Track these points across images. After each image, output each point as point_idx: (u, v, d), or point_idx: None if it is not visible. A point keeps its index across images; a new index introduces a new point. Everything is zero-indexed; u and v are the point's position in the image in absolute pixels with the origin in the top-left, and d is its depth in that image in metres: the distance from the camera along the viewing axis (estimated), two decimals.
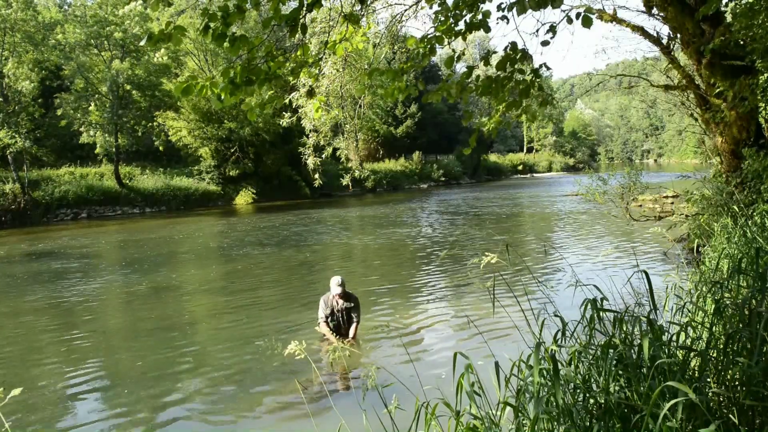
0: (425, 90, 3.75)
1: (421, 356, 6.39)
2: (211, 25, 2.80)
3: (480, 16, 3.29)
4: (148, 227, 24.24)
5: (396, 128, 52.56)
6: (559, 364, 2.25)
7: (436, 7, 3.45)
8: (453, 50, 3.65)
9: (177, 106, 35.39)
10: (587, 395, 2.28)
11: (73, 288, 11.52)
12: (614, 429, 2.12)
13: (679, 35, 9.20)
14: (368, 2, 8.18)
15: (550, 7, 3.15)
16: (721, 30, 8.23)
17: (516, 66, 3.43)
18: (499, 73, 3.46)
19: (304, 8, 2.92)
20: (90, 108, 32.14)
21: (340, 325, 6.95)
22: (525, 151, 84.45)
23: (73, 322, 8.92)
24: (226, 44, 2.83)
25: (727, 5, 8.08)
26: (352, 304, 6.95)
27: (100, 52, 33.26)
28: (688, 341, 2.74)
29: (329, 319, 6.91)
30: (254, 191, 36.94)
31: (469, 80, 3.58)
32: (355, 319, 6.94)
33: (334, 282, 6.88)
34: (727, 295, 2.92)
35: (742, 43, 7.93)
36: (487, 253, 2.93)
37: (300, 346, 2.73)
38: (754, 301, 2.44)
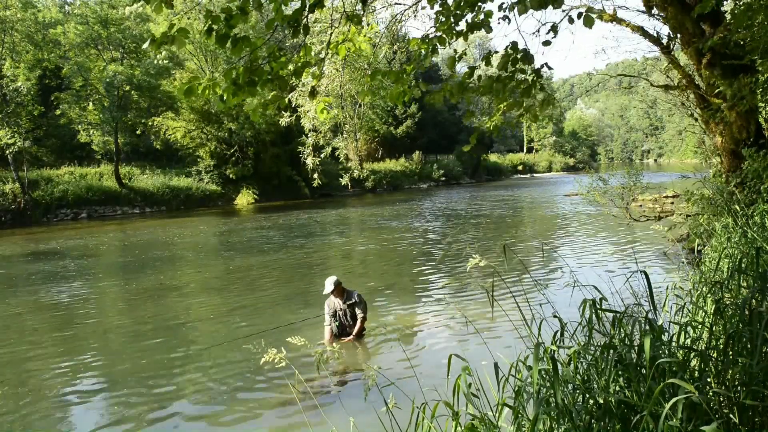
0: (427, 91, 3.75)
1: (420, 357, 6.40)
2: (214, 27, 2.80)
3: (482, 16, 3.29)
4: (148, 227, 24.24)
5: (396, 128, 52.53)
6: (558, 365, 2.25)
7: (437, 7, 3.45)
8: (455, 50, 3.66)
9: (176, 107, 35.38)
10: (587, 395, 2.29)
11: (72, 288, 11.52)
12: (614, 429, 2.13)
13: (679, 35, 9.20)
14: (369, 2, 8.19)
15: (551, 8, 3.15)
16: (720, 30, 8.24)
17: (517, 66, 3.43)
18: (500, 72, 3.46)
19: (306, 9, 2.92)
20: (88, 107, 32.14)
21: (344, 325, 6.95)
22: (525, 151, 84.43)
23: (72, 322, 8.92)
24: (228, 45, 2.83)
25: (724, 4, 8.10)
26: (354, 301, 6.96)
27: (100, 52, 33.26)
28: (688, 341, 2.74)
29: (333, 321, 6.93)
30: (255, 191, 36.95)
31: (471, 80, 3.59)
32: (359, 316, 6.94)
33: (326, 283, 6.91)
34: (727, 295, 2.92)
35: (741, 43, 7.94)
36: (474, 255, 2.93)
37: (280, 354, 2.71)
38: (754, 301, 2.44)
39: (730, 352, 2.31)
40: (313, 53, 3.75)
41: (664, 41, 9.98)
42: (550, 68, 3.70)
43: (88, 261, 15.46)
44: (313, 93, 3.86)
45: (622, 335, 2.48)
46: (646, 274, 2.67)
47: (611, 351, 2.33)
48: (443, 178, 54.39)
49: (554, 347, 2.46)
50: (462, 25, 3.49)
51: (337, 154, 37.31)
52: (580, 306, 2.62)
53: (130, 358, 7.03)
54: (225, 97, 2.95)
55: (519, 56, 3.39)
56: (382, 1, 10.20)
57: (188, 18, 30.16)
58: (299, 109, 11.07)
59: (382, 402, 2.71)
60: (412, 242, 16.26)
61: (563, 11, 4.02)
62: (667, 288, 3.58)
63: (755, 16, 6.62)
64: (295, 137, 34.04)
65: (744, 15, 6.63)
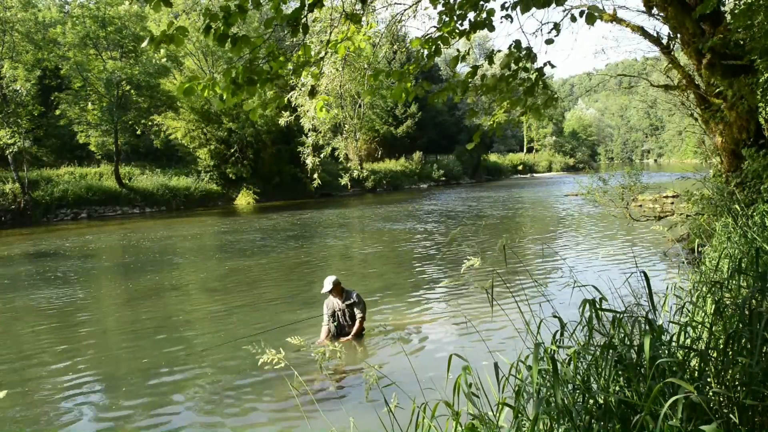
0: (430, 91, 3.74)
1: (420, 357, 6.39)
2: (213, 25, 2.80)
3: (484, 15, 3.29)
4: (148, 227, 24.23)
5: (396, 128, 52.50)
6: (558, 365, 2.25)
7: (440, 7, 3.44)
8: (458, 50, 3.66)
9: (176, 106, 35.38)
10: (587, 395, 2.29)
11: (72, 288, 11.52)
12: (614, 429, 2.12)
13: (679, 35, 9.20)
14: (369, 2, 8.19)
15: (552, 8, 3.15)
16: (720, 30, 8.24)
17: (520, 64, 3.43)
18: (503, 71, 3.46)
19: (306, 8, 2.92)
20: (88, 107, 32.12)
21: (342, 325, 6.95)
22: (525, 151, 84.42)
23: (72, 323, 8.91)
24: (227, 45, 2.83)
25: (725, 4, 8.09)
26: (353, 301, 6.95)
27: (99, 52, 33.23)
28: (688, 341, 2.74)
29: (331, 321, 6.93)
30: (255, 191, 36.94)
31: (473, 80, 3.58)
32: (358, 316, 6.93)
33: (325, 282, 6.91)
34: (727, 295, 2.92)
35: (741, 43, 7.93)
36: (470, 257, 2.93)
37: (279, 354, 2.71)
38: (754, 301, 2.44)
39: (730, 352, 2.31)
40: (312, 53, 3.75)
41: (664, 41, 9.97)
42: (553, 66, 3.68)
43: (88, 261, 15.45)
44: (312, 92, 3.86)
45: (622, 335, 2.48)
46: (645, 274, 2.67)
47: (611, 351, 2.33)
48: (443, 178, 54.39)
49: (554, 347, 2.46)
50: (465, 25, 3.49)
51: (337, 154, 37.25)
52: (580, 306, 2.61)
53: (130, 358, 7.02)
54: (224, 97, 2.95)
55: (522, 54, 3.39)
56: (382, 1, 10.20)
57: (189, 18, 30.13)
58: (299, 109, 11.05)
59: (381, 401, 2.70)
60: (412, 242, 16.26)
61: (563, 11, 4.02)
62: (667, 288, 3.57)
63: (755, 16, 6.62)
64: (295, 136, 34.00)
65: (744, 15, 6.63)
